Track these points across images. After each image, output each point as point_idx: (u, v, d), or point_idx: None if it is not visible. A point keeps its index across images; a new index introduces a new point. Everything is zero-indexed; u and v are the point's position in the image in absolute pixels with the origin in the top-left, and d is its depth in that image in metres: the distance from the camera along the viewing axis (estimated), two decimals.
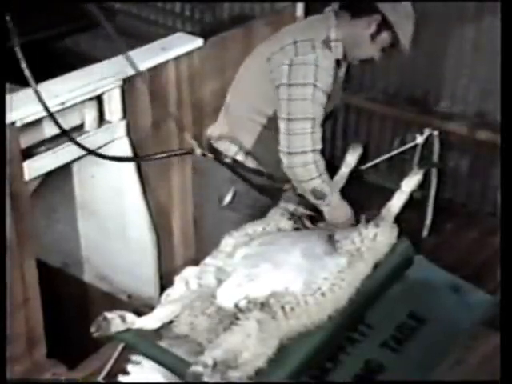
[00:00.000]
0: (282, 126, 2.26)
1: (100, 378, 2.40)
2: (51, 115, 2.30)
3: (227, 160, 2.42)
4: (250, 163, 2.47)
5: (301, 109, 2.20)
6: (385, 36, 2.30)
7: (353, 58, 2.36)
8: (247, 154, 2.45)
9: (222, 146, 2.51)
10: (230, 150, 2.48)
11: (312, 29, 2.31)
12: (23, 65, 2.19)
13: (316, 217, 2.42)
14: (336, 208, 2.37)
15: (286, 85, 2.22)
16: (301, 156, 2.23)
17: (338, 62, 2.31)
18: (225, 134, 2.49)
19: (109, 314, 1.96)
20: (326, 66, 2.22)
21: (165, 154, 2.44)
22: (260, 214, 2.36)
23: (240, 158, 2.47)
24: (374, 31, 2.27)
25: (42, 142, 2.63)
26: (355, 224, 2.35)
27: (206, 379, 1.74)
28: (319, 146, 2.26)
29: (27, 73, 2.21)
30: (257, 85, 2.37)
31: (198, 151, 2.31)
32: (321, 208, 2.37)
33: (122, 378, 1.96)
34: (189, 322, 1.95)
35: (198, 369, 1.76)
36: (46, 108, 2.26)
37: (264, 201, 2.43)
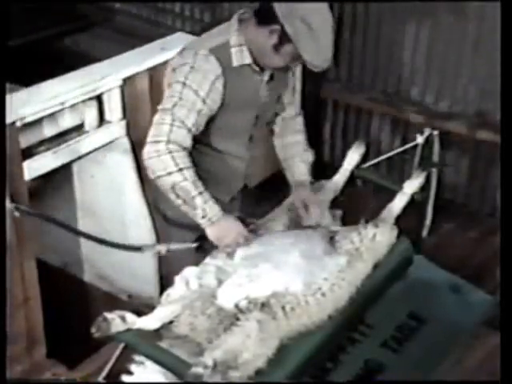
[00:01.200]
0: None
1: (100, 378, 2.39)
2: None
3: None
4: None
5: (166, 101, 2.09)
6: (289, 49, 2.05)
7: (263, 64, 2.16)
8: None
9: None
10: None
11: (209, 37, 2.19)
12: None
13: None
14: (217, 225, 2.09)
15: (167, 85, 2.17)
16: (154, 145, 2.03)
17: (260, 67, 2.17)
18: None
19: (109, 315, 1.96)
20: (204, 70, 2.07)
21: None
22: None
23: None
24: (276, 42, 2.05)
25: (42, 142, 2.63)
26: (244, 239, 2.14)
27: (206, 380, 1.74)
28: (178, 142, 2.04)
29: None
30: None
31: None
32: (198, 221, 2.09)
33: (125, 378, 1.95)
34: (189, 323, 1.95)
35: (199, 370, 1.76)
36: None
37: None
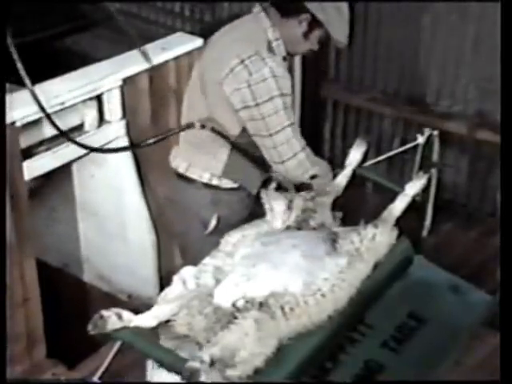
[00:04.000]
0: (267, 143, 2.28)
1: (96, 378, 2.40)
2: (48, 116, 2.29)
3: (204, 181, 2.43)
4: (226, 184, 2.46)
5: (278, 121, 2.23)
6: (317, 33, 2.32)
7: (293, 52, 2.40)
8: (220, 177, 2.44)
9: (193, 175, 2.46)
10: (203, 177, 2.45)
11: (250, 38, 2.28)
12: (18, 65, 2.19)
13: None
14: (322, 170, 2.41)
15: (253, 106, 2.22)
16: (294, 159, 2.30)
17: (284, 59, 2.35)
18: (193, 163, 2.45)
19: (105, 312, 1.96)
20: (282, 72, 2.25)
21: (161, 136, 2.36)
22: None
23: (216, 182, 2.45)
24: (306, 30, 2.30)
25: (42, 142, 2.64)
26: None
27: (202, 375, 1.74)
28: (304, 142, 2.33)
29: (23, 73, 2.21)
30: (215, 110, 2.33)
31: (197, 125, 2.31)
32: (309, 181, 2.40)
33: None
34: (186, 323, 1.95)
35: (195, 364, 1.76)
36: (43, 109, 2.26)
37: (249, 221, 2.40)
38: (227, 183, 2.47)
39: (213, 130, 2.32)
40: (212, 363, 1.77)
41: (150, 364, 2.02)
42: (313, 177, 2.37)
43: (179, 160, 2.51)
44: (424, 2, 3.40)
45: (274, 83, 2.20)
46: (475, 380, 1.75)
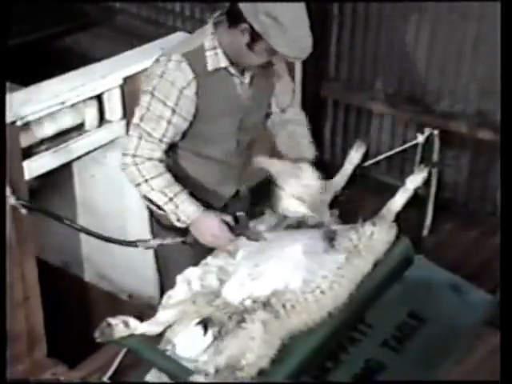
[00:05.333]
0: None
1: (105, 378, 2.40)
2: None
3: None
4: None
5: (136, 114, 2.13)
6: (263, 45, 2.04)
7: (243, 63, 2.14)
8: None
9: None
10: None
11: (186, 41, 2.20)
12: None
13: None
14: (195, 224, 2.14)
15: (140, 92, 2.18)
16: (123, 158, 2.13)
17: (240, 70, 2.16)
18: None
19: (112, 320, 1.94)
20: (173, 79, 2.07)
21: None
22: None
23: None
24: (249, 41, 2.05)
25: (42, 142, 2.63)
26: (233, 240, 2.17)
27: None
28: (144, 155, 2.11)
29: None
30: None
31: None
32: (176, 224, 2.16)
33: None
34: (194, 311, 1.94)
35: (199, 378, 1.77)
36: None
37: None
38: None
39: None
40: (217, 371, 1.78)
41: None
42: (148, 199, 2.18)
43: None
44: (425, 2, 3.40)
45: (155, 81, 2.08)
46: (475, 380, 1.75)
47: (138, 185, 2.14)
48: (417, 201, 2.56)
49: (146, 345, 1.96)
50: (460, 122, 3.47)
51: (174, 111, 2.09)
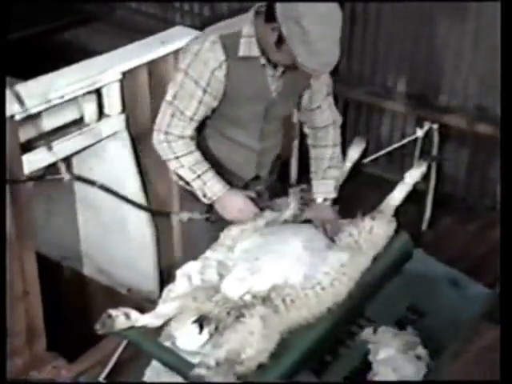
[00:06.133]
0: None
1: (101, 378, 2.41)
2: None
3: None
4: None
5: (170, 92, 2.17)
6: (288, 48, 2.02)
7: (271, 59, 2.14)
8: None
9: None
10: None
11: (227, 25, 2.20)
12: None
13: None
14: (221, 201, 2.23)
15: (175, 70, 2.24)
16: (156, 134, 2.20)
17: (269, 61, 2.15)
18: None
19: (113, 312, 1.94)
20: (206, 59, 2.10)
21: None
22: None
23: None
24: (276, 40, 2.04)
25: (42, 136, 2.63)
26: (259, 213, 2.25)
27: (208, 380, 1.75)
28: (176, 132, 2.18)
29: None
30: None
31: None
32: (203, 200, 2.25)
33: None
34: (194, 307, 1.94)
35: (201, 371, 1.77)
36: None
37: None
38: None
39: None
40: (217, 365, 1.78)
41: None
42: (178, 175, 2.25)
43: None
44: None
45: (189, 60, 2.12)
46: (475, 380, 1.75)
47: (169, 160, 2.22)
48: (416, 195, 2.56)
49: (146, 337, 1.97)
50: (459, 116, 3.47)
51: (205, 91, 2.15)
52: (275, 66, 2.18)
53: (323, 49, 2.01)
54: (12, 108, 2.38)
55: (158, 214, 2.32)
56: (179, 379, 1.91)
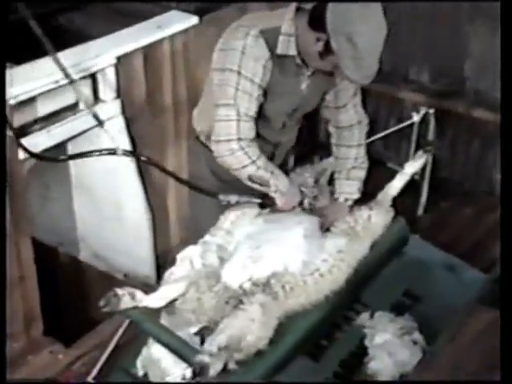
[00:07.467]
0: (214, 112, 2.18)
1: (90, 378, 2.42)
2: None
3: None
4: None
5: (224, 95, 2.10)
6: (333, 59, 2.02)
7: (307, 62, 2.14)
8: None
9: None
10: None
11: (264, 17, 2.18)
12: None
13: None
14: (286, 194, 2.24)
15: (214, 69, 2.15)
16: (226, 144, 2.13)
17: (303, 61, 2.14)
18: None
19: (120, 290, 1.95)
20: (255, 55, 2.06)
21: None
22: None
23: None
24: (322, 51, 2.03)
25: (36, 121, 2.62)
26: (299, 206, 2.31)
27: (211, 368, 1.77)
28: (247, 136, 2.14)
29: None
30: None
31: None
32: (271, 195, 2.24)
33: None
34: (196, 298, 1.95)
35: (204, 358, 1.78)
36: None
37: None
38: None
39: None
40: (219, 350, 1.80)
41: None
42: (260, 182, 2.20)
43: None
44: None
45: (237, 58, 2.07)
46: (475, 380, 1.77)
47: (244, 167, 2.16)
48: (411, 181, 2.56)
49: (148, 317, 1.97)
50: (456, 101, 3.47)
51: (260, 87, 2.12)
52: (307, 66, 2.17)
53: (370, 64, 2.04)
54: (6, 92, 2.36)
55: (206, 195, 2.27)
56: (167, 368, 1.93)
